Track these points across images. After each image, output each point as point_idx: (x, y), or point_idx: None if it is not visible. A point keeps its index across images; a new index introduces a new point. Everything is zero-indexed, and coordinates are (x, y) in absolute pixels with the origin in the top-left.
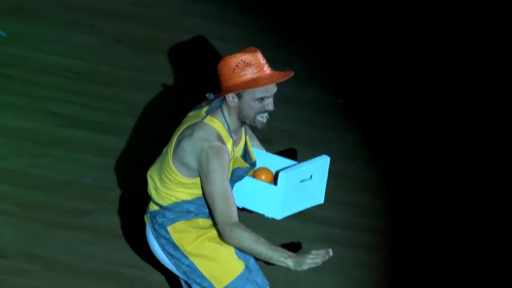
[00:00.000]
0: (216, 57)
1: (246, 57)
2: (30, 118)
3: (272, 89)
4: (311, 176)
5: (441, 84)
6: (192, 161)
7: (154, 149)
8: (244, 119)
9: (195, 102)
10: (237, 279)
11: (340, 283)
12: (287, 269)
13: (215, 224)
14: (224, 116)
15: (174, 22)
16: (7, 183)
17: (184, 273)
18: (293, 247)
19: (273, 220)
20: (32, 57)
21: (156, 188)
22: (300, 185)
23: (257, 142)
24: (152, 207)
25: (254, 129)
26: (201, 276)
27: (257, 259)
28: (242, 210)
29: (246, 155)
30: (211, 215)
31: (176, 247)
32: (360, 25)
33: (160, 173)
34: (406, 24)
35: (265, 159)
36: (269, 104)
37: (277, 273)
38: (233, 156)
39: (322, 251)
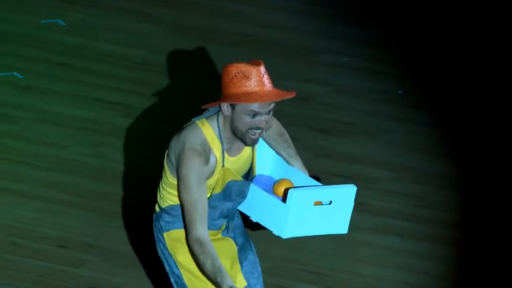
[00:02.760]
0: (275, 48)
1: (246, 68)
2: (89, 107)
3: (267, 106)
4: (330, 202)
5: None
6: (173, 160)
7: None
8: (235, 131)
9: None
10: None
11: (400, 274)
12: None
13: (216, 235)
14: (218, 122)
15: (231, 10)
16: (66, 172)
17: (175, 282)
18: (350, 240)
19: None
20: (90, 46)
21: (159, 188)
22: (315, 208)
23: (299, 164)
24: (156, 208)
25: (245, 144)
26: None
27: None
28: (255, 224)
29: (250, 170)
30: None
31: (170, 255)
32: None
33: (162, 173)
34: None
35: (300, 181)
36: (262, 122)
37: (334, 264)
38: (223, 165)
39: None
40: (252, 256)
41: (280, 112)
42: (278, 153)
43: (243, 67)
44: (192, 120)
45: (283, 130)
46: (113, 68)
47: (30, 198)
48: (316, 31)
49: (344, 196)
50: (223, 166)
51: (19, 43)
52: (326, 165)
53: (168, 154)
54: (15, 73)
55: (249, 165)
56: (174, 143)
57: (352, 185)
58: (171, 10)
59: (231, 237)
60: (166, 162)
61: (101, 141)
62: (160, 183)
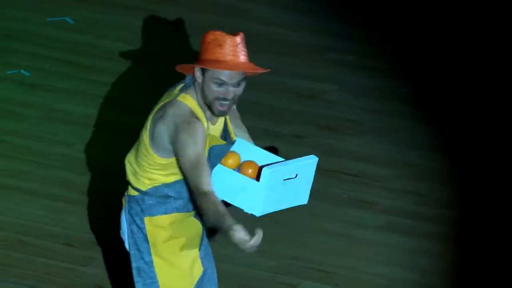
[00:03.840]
0: (281, 46)
1: (222, 37)
2: (96, 105)
3: (235, 77)
4: (296, 175)
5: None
6: (166, 140)
7: None
8: (204, 99)
9: (260, 88)
10: None
11: (406, 272)
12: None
13: (190, 215)
14: (195, 92)
15: (238, 8)
16: (73, 170)
17: (137, 268)
18: (356, 238)
19: (339, 211)
20: (98, 44)
21: (134, 173)
22: (284, 183)
23: (245, 134)
24: (131, 191)
25: (213, 114)
26: (153, 278)
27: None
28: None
29: (226, 134)
30: (192, 202)
31: (144, 240)
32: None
33: (137, 156)
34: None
35: (251, 152)
36: (228, 93)
37: (341, 262)
38: (208, 133)
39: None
40: (206, 239)
41: (287, 109)
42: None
43: (219, 34)
44: (168, 91)
45: None
46: (120, 66)
47: (37, 196)
48: (322, 30)
49: (308, 168)
50: (208, 133)
51: (27, 41)
52: (332, 162)
53: (153, 138)
54: (22, 71)
55: (224, 131)
56: (162, 127)
57: (313, 155)
58: (178, 8)
59: (198, 220)
60: (150, 145)
61: (108, 139)
62: (137, 170)
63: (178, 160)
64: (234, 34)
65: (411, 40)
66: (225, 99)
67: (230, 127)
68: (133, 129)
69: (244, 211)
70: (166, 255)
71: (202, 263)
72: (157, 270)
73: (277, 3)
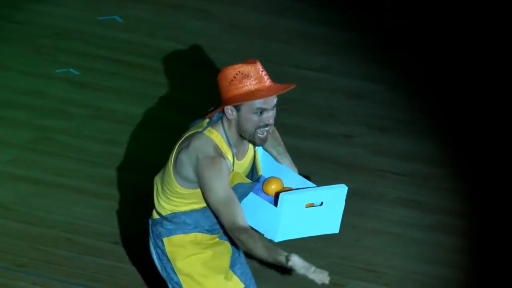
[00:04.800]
0: (331, 45)
1: (244, 68)
2: (145, 104)
3: (272, 101)
4: (322, 203)
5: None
6: (189, 173)
7: None
8: (243, 134)
9: (310, 88)
10: None
11: (455, 273)
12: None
13: (214, 239)
14: (224, 129)
15: (291, 8)
16: (122, 169)
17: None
18: (405, 237)
19: (388, 210)
20: (148, 43)
21: (157, 196)
22: (307, 211)
23: (288, 161)
24: (154, 214)
25: (254, 144)
26: None
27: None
28: None
29: (253, 170)
30: (228, 238)
31: (169, 261)
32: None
33: (162, 181)
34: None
35: (289, 178)
36: (269, 118)
37: (390, 262)
38: (233, 170)
39: (319, 276)
40: (242, 258)
41: (337, 109)
42: (267, 151)
43: (240, 67)
44: (191, 125)
45: (274, 127)
46: (169, 65)
47: (85, 194)
48: (370, 28)
49: (335, 196)
50: (233, 170)
51: (76, 40)
52: (381, 162)
53: (175, 167)
54: (71, 70)
55: (251, 166)
56: (186, 157)
57: (343, 185)
58: (227, 7)
59: (226, 240)
60: (173, 174)
61: (157, 138)
62: (160, 193)
63: (206, 197)
64: (251, 61)
65: (462, 41)
66: (266, 125)
67: (258, 162)
68: (182, 128)
69: (264, 235)
70: (190, 272)
71: (241, 280)
72: (185, 287)
73: (323, 2)
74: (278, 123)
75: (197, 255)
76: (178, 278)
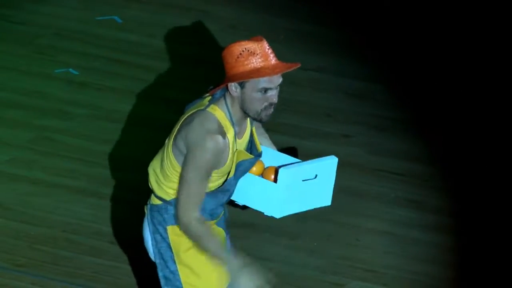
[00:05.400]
0: (331, 45)
1: (250, 45)
2: (146, 104)
3: (277, 80)
4: (316, 176)
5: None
6: (182, 146)
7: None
8: (247, 111)
9: (308, 88)
10: None
11: (452, 272)
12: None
13: (213, 224)
14: (227, 106)
15: (290, 8)
16: (121, 170)
17: (164, 277)
18: (404, 237)
19: (387, 210)
20: (147, 43)
21: (158, 181)
22: (303, 184)
23: (268, 141)
24: (154, 200)
25: (260, 122)
26: (179, 287)
27: None
28: (243, 208)
29: (252, 146)
30: (210, 213)
31: (168, 249)
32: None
33: (162, 165)
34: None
35: (272, 157)
36: (273, 97)
37: (389, 262)
38: (236, 148)
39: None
40: (229, 242)
41: (335, 109)
42: None
43: (247, 44)
44: (189, 106)
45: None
46: (168, 65)
47: (84, 194)
48: (369, 27)
49: (327, 168)
50: (236, 149)
51: (75, 40)
52: (380, 162)
53: (175, 144)
54: (71, 70)
55: (250, 142)
56: (188, 132)
57: (333, 156)
58: (226, 7)
59: (222, 227)
60: (174, 155)
61: (157, 138)
62: (161, 179)
63: (183, 167)
64: (258, 39)
65: (468, 37)
66: (271, 104)
67: (257, 138)
68: None
69: (264, 214)
70: (190, 263)
71: None
72: (183, 279)
73: (324, 2)
74: (277, 123)
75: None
76: (176, 267)
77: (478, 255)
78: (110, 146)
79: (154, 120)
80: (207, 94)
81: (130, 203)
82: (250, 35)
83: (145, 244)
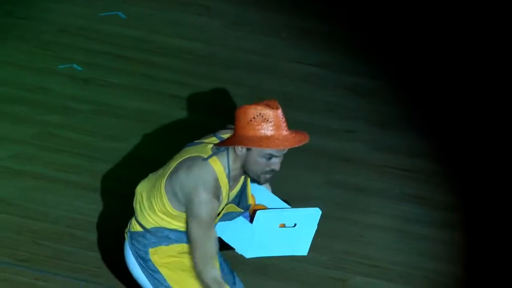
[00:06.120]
0: (334, 41)
1: (265, 111)
2: (149, 100)
3: (283, 149)
4: (295, 225)
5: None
6: (181, 195)
7: None
8: (247, 171)
9: (312, 84)
10: None
11: (458, 268)
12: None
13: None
14: (228, 161)
15: (293, 4)
16: (124, 165)
17: None
18: (409, 233)
19: (391, 206)
20: (151, 39)
21: (142, 208)
22: (280, 230)
23: (267, 185)
24: (134, 226)
25: (258, 183)
26: None
27: None
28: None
29: (242, 196)
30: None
31: (155, 270)
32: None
33: (149, 194)
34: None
35: (264, 198)
36: (276, 164)
37: (394, 258)
38: (226, 202)
39: None
40: (240, 284)
41: (337, 105)
42: None
43: (262, 109)
44: (191, 144)
45: None
46: (172, 61)
47: (88, 190)
48: (371, 24)
49: (308, 219)
50: (228, 201)
51: (79, 36)
52: (384, 158)
53: (170, 182)
54: (74, 65)
55: (240, 192)
56: (185, 179)
57: (317, 208)
58: (229, 3)
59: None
60: (165, 191)
61: (161, 134)
62: (145, 206)
63: (188, 222)
64: (273, 106)
65: (472, 34)
66: (272, 170)
67: (249, 191)
68: (185, 124)
69: (236, 250)
70: (178, 279)
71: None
72: None
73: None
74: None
75: (183, 264)
76: (169, 284)
77: (484, 251)
78: (113, 142)
79: (158, 116)
80: (211, 139)
81: (133, 199)
82: (253, 32)
83: (128, 267)
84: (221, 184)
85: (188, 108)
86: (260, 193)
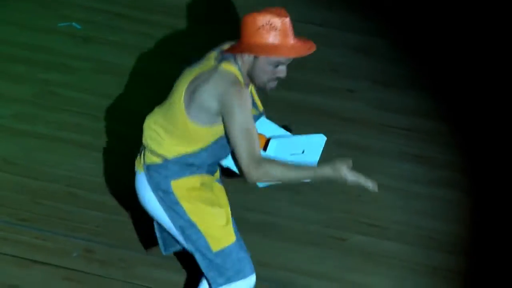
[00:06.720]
0: (337, 0)
1: (274, 19)
2: (149, 58)
3: (291, 57)
4: (303, 151)
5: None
6: (213, 104)
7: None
8: (254, 79)
9: (316, 43)
10: (234, 244)
11: (458, 227)
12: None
13: (213, 180)
14: (238, 66)
15: None
16: (125, 124)
17: (180, 227)
18: (408, 192)
19: (392, 164)
20: None
21: (158, 140)
22: (290, 157)
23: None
24: (151, 158)
25: (262, 91)
26: (198, 233)
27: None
28: (226, 170)
29: (253, 104)
30: (209, 169)
31: (176, 202)
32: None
33: (165, 123)
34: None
35: (260, 125)
36: (282, 72)
37: (392, 217)
38: None
39: (370, 183)
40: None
41: (340, 64)
42: None
43: (271, 18)
44: (195, 65)
45: None
46: (171, 20)
47: (88, 149)
48: None
49: (315, 145)
50: None
51: None
52: (385, 117)
53: (196, 105)
54: (74, 24)
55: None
56: (209, 89)
57: (321, 134)
58: None
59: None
60: (187, 114)
61: (161, 92)
62: (164, 137)
63: (228, 125)
64: (282, 14)
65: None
66: (278, 78)
67: (257, 98)
68: None
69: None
70: (200, 212)
71: (234, 231)
72: (199, 225)
73: None
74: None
75: (205, 196)
76: (188, 217)
77: (484, 211)
78: (113, 100)
79: (159, 74)
80: (212, 54)
81: (134, 157)
82: None
83: (143, 203)
84: (242, 85)
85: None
86: (261, 124)
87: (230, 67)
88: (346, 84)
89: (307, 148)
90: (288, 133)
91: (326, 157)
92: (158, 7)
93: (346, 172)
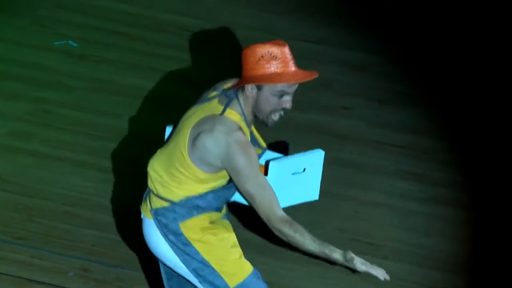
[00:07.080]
0: (332, 17)
1: (273, 49)
2: (145, 76)
3: (294, 86)
4: (304, 169)
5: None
6: (215, 159)
7: None
8: (258, 113)
9: (308, 60)
10: (250, 276)
11: (455, 245)
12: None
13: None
14: (241, 107)
15: None
16: (121, 142)
17: (194, 270)
18: (404, 210)
19: (386, 182)
20: (146, 15)
21: (163, 183)
22: (292, 178)
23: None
24: (157, 202)
25: (265, 126)
26: (214, 272)
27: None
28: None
29: (254, 140)
30: (217, 208)
31: (187, 243)
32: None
33: (168, 168)
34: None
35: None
36: (287, 102)
37: (388, 235)
38: None
39: (380, 271)
40: None
41: (335, 81)
42: None
43: (269, 48)
44: (200, 102)
45: None
46: (168, 37)
47: (84, 167)
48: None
49: (315, 162)
50: None
51: (75, 12)
52: (380, 134)
53: (198, 155)
54: (70, 42)
55: (251, 138)
56: (211, 142)
57: (319, 149)
58: None
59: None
60: (190, 158)
61: (156, 110)
62: (168, 180)
63: (239, 184)
64: (280, 44)
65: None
66: (283, 109)
67: (257, 134)
68: (182, 100)
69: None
70: (211, 250)
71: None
72: (213, 264)
73: None
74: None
75: (214, 233)
76: (202, 256)
77: (479, 228)
78: (109, 119)
79: (154, 92)
80: (214, 94)
81: (130, 175)
82: (249, 6)
83: (153, 249)
84: (245, 132)
85: (185, 84)
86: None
87: (232, 114)
88: (341, 101)
89: (308, 166)
90: (281, 155)
91: (322, 176)
92: (153, 24)
93: (356, 262)
